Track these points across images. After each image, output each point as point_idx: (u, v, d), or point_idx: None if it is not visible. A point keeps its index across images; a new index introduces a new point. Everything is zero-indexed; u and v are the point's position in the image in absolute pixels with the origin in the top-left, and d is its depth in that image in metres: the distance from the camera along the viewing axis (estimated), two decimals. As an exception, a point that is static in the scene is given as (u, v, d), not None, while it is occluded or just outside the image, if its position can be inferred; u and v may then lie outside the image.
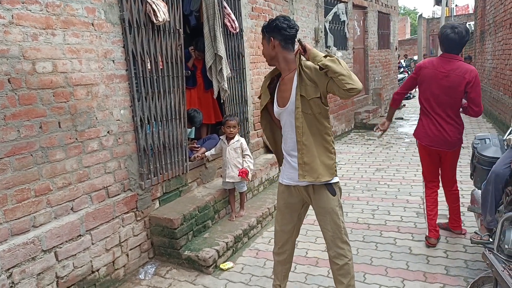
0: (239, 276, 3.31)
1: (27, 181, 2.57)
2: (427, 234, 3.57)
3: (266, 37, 2.38)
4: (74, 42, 2.83)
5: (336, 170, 2.43)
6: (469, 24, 15.26)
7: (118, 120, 3.21)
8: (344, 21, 8.67)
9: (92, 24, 2.97)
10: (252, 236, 4.02)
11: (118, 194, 3.24)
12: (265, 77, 2.57)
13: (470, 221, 3.92)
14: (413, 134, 3.62)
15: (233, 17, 4.58)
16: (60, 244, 2.77)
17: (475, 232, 3.13)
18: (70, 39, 2.80)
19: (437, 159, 3.55)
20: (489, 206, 2.88)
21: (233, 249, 3.68)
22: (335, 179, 2.42)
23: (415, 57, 22.23)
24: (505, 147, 3.20)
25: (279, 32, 2.32)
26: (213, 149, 4.18)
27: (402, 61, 16.67)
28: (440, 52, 3.49)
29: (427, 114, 3.44)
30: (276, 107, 2.46)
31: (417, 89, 3.52)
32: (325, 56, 2.22)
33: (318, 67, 2.24)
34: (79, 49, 2.87)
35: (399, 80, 14.57)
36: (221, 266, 3.45)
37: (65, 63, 2.78)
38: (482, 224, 3.07)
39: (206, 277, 3.32)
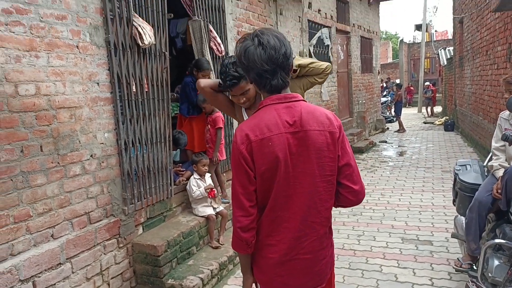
0: (224, 305, 3.23)
1: (6, 207, 2.47)
2: None
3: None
4: (58, 64, 2.79)
5: None
6: (448, 50, 15.77)
7: (102, 143, 3.15)
8: (328, 45, 8.85)
9: (77, 46, 2.94)
10: (238, 263, 3.94)
11: (100, 220, 3.14)
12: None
13: (454, 247, 3.93)
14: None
15: (219, 41, 4.61)
16: (39, 273, 2.66)
17: (457, 259, 3.15)
18: (54, 61, 2.76)
19: None
20: (473, 234, 2.90)
21: (218, 277, 3.60)
22: None
23: (397, 81, 22.78)
24: (486, 174, 3.26)
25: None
26: (198, 194, 3.97)
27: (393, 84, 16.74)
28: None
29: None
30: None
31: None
32: None
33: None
34: (63, 72, 2.83)
35: (382, 104, 14.86)
36: (205, 294, 3.36)
37: (49, 86, 2.73)
38: (466, 252, 3.09)
39: (190, 306, 3.22)
